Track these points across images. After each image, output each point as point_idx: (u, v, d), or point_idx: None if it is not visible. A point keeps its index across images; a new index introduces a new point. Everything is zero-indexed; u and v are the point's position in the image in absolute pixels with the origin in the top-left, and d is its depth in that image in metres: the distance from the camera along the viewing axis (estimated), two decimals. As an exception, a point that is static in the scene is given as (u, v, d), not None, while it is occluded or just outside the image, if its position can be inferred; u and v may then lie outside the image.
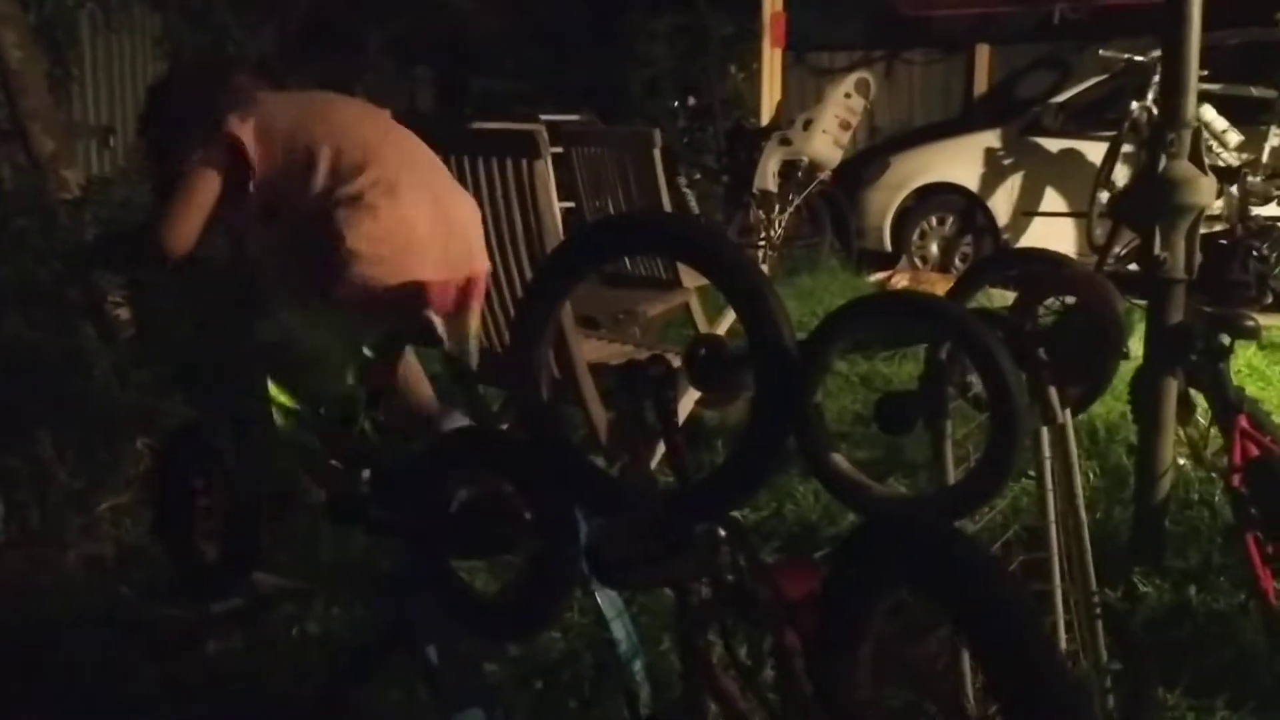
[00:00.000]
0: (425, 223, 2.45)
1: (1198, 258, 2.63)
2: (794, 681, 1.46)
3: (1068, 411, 1.88)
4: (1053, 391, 1.82)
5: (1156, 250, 2.61)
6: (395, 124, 2.60)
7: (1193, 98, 2.59)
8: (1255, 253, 2.86)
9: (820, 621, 1.32)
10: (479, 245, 2.59)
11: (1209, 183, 2.60)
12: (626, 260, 4.92)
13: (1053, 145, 7.51)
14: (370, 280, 2.43)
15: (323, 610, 2.74)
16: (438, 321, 2.46)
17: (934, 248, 7.95)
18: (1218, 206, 4.36)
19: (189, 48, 5.48)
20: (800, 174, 7.87)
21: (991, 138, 7.78)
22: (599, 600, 2.42)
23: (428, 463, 2.35)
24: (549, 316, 2.01)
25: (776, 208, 7.85)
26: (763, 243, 7.79)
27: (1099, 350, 1.83)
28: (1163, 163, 2.60)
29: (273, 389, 2.56)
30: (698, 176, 9.09)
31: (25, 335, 3.24)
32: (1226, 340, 2.64)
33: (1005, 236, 7.57)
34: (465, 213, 2.56)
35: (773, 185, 7.87)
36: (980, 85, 9.36)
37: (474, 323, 2.56)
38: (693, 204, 8.31)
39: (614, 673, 2.41)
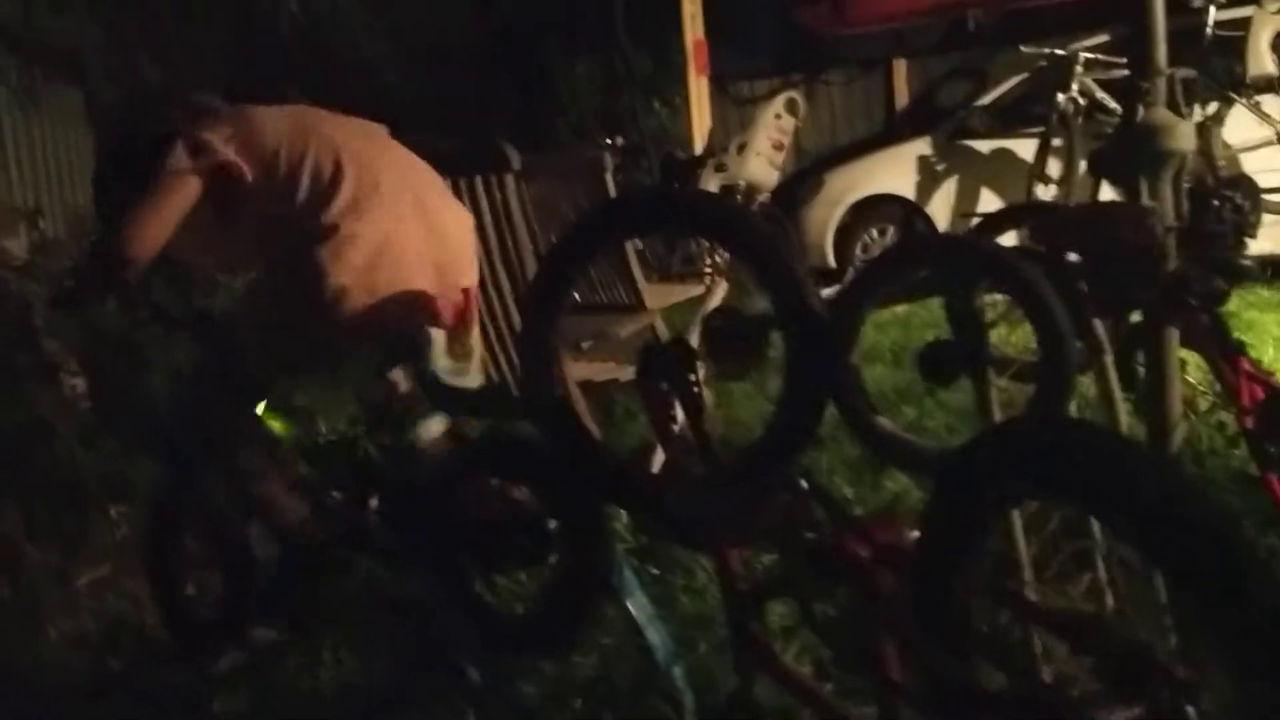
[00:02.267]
0: (414, 236, 2.34)
1: (1185, 205, 2.62)
2: (891, 635, 1.38)
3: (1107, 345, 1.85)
4: (1097, 324, 1.78)
5: (1144, 201, 2.59)
6: (382, 134, 2.51)
7: (1163, 46, 2.60)
8: (1230, 202, 2.86)
9: (928, 544, 1.25)
10: (470, 258, 2.49)
11: (1188, 127, 2.60)
12: (587, 289, 4.86)
13: (983, 146, 7.63)
14: (366, 310, 2.31)
15: (332, 658, 2.60)
16: (434, 337, 2.37)
17: (878, 259, 7.99)
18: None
19: (115, 114, 5.34)
20: (739, 198, 7.88)
21: (922, 145, 7.87)
22: (630, 608, 2.32)
23: (439, 479, 2.26)
24: (563, 296, 1.93)
25: (719, 233, 7.84)
26: (709, 269, 7.76)
27: (1138, 280, 1.80)
28: (1140, 113, 2.59)
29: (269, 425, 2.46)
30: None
31: (-21, 408, 3.08)
32: (1223, 285, 2.63)
33: (947, 240, 7.64)
34: (457, 224, 2.46)
35: (714, 211, 7.86)
36: (901, 99, 9.50)
37: (474, 340, 2.46)
38: (630, 247, 8.28)
39: (654, 682, 2.32)
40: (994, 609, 1.27)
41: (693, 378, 1.93)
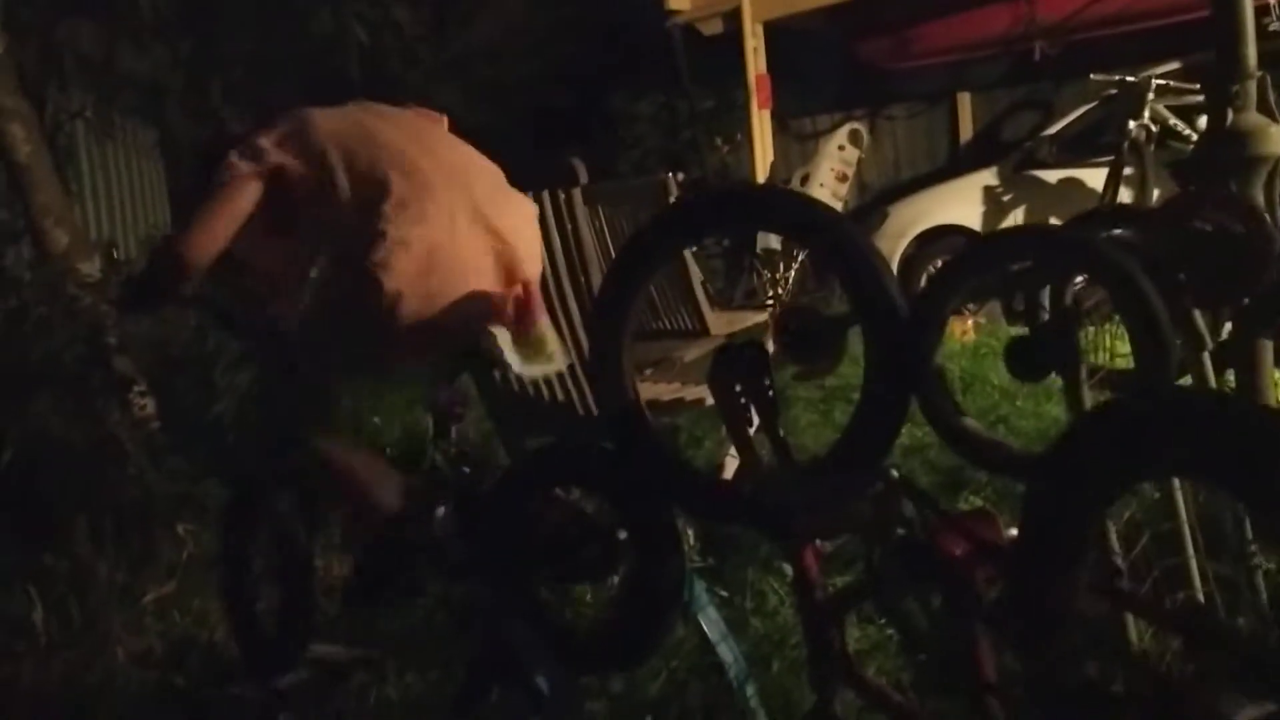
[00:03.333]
0: (468, 234, 2.30)
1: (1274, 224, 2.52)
2: (989, 635, 1.30)
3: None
4: (1198, 316, 1.70)
5: (1234, 209, 2.49)
6: (441, 131, 2.48)
7: (1252, 47, 2.52)
8: (1320, 213, 2.74)
9: (1033, 535, 1.17)
10: (531, 250, 2.43)
11: (1281, 131, 2.51)
12: (651, 315, 4.84)
13: (1051, 177, 7.48)
14: (422, 316, 2.27)
15: (397, 676, 2.55)
16: (500, 338, 2.33)
17: (944, 291, 7.85)
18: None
19: (191, 147, 5.44)
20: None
21: (988, 176, 7.75)
22: (701, 623, 2.26)
23: (507, 488, 2.21)
24: (632, 302, 1.89)
25: (781, 265, 7.79)
26: (771, 301, 7.71)
27: (1242, 271, 1.71)
28: (1229, 117, 2.51)
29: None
30: (695, 249, 9.04)
31: (53, 424, 3.09)
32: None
33: (1014, 272, 7.49)
34: (515, 217, 2.41)
35: (776, 243, 7.82)
36: (965, 133, 9.38)
37: (545, 330, 2.40)
38: (694, 272, 8.26)
39: (726, 700, 2.24)
40: (1102, 605, 1.19)
41: (767, 380, 1.88)
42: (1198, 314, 1.71)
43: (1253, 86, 2.52)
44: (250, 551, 2.67)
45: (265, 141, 2.27)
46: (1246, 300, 2.56)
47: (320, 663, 2.59)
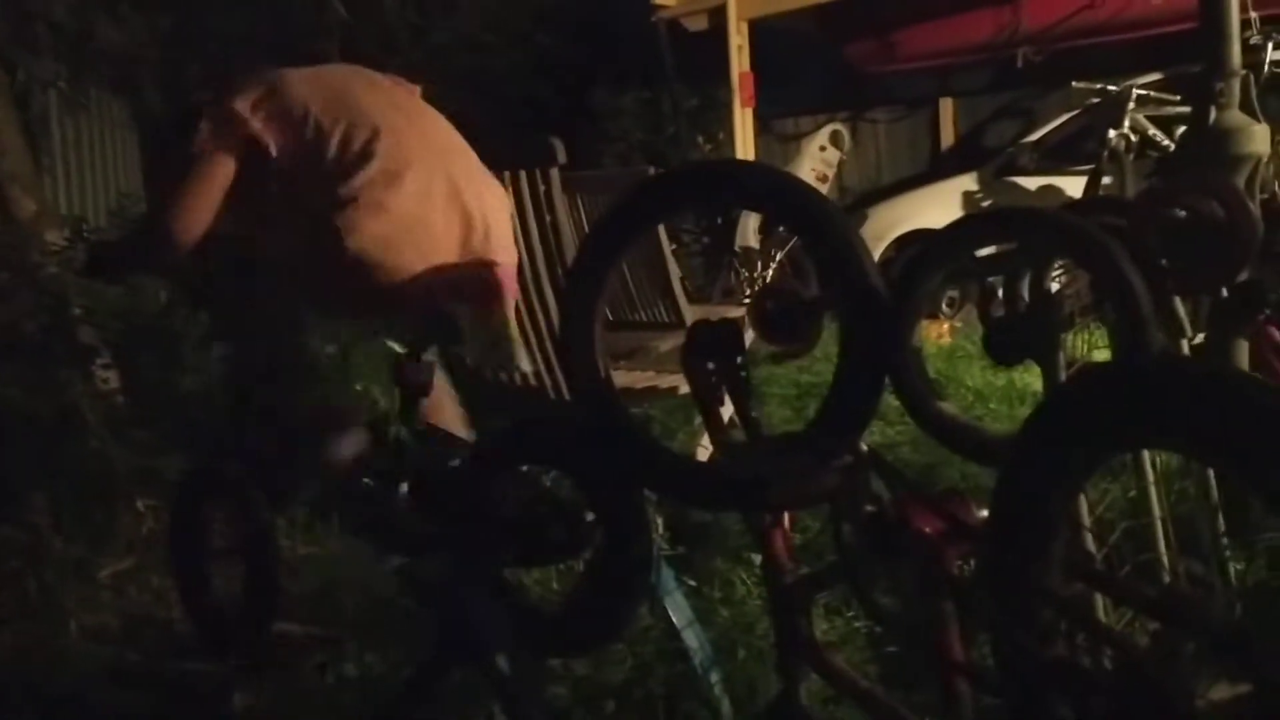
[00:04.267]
0: (439, 211, 2.27)
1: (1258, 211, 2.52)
2: (959, 614, 1.28)
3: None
4: (1178, 303, 1.68)
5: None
6: (419, 103, 2.45)
7: (1236, 44, 2.52)
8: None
9: (1005, 511, 1.14)
10: (503, 235, 2.40)
11: (1263, 130, 2.51)
12: (627, 307, 4.82)
13: (1030, 183, 7.51)
14: (384, 283, 2.24)
15: (357, 655, 2.51)
16: (461, 314, 2.30)
17: (920, 295, 7.86)
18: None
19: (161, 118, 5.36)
20: (782, 229, 7.82)
21: (968, 182, 7.77)
22: (668, 608, 2.22)
23: (473, 465, 2.17)
24: (607, 276, 1.85)
25: (759, 264, 7.78)
26: (748, 300, 7.69)
27: (1224, 256, 1.70)
28: (1212, 115, 2.51)
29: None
30: (674, 247, 9.02)
31: (13, 394, 3.03)
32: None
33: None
34: (488, 200, 2.39)
35: (754, 242, 7.81)
36: (946, 138, 9.41)
37: (507, 320, 2.38)
38: (672, 265, 8.24)
39: (690, 686, 2.21)
40: (1074, 586, 1.17)
41: (740, 359, 1.85)
42: (1179, 303, 1.70)
43: (1236, 85, 2.53)
44: (209, 527, 2.62)
45: (239, 105, 2.23)
46: (1223, 295, 2.56)
47: (279, 640, 2.54)
